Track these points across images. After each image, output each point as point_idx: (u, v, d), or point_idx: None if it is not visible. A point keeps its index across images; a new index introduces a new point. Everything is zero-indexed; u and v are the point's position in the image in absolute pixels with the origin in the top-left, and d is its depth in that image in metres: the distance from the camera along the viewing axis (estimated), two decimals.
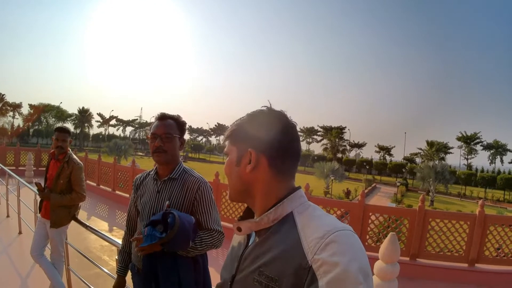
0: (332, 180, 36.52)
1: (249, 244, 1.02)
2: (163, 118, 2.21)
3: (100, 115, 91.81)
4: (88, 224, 3.75)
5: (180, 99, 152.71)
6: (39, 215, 4.17)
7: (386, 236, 4.73)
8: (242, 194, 1.05)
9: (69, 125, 75.94)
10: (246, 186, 1.03)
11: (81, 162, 4.11)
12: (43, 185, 3.99)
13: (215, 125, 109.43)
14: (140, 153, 78.16)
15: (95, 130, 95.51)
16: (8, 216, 7.94)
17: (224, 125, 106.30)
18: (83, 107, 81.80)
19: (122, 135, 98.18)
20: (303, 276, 0.81)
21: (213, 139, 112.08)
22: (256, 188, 1.02)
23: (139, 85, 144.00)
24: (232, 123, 1.09)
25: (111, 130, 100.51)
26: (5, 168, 8.30)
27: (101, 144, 76.77)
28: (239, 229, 1.02)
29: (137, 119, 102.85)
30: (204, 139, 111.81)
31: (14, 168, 16.43)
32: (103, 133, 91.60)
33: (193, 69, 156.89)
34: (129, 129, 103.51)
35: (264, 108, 1.04)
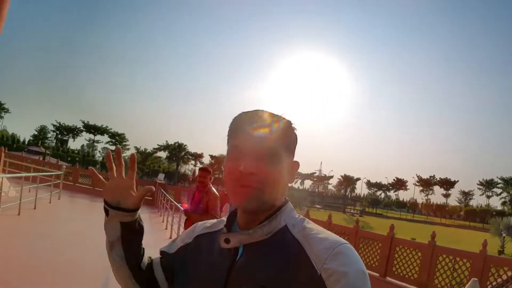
0: (504, 237, 32.51)
1: (238, 257, 0.95)
2: None
3: None
4: None
5: (361, 153, 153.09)
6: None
7: None
8: (272, 207, 0.97)
9: None
10: (282, 198, 1.00)
11: (217, 193, 5.75)
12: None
13: (394, 180, 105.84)
14: (318, 206, 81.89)
15: None
16: (170, 237, 12.25)
17: (403, 179, 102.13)
18: None
19: (300, 187, 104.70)
20: (312, 286, 0.83)
21: (392, 194, 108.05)
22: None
23: (318, 140, 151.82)
24: (278, 118, 1.00)
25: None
26: (174, 202, 13.15)
27: None
28: (227, 241, 0.95)
29: (316, 173, 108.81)
30: (382, 194, 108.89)
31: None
32: None
33: (386, 125, 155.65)
34: (308, 182, 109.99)
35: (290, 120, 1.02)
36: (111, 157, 1.06)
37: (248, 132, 0.95)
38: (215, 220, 1.16)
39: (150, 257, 1.14)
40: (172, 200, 14.11)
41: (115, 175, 1.06)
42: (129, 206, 1.04)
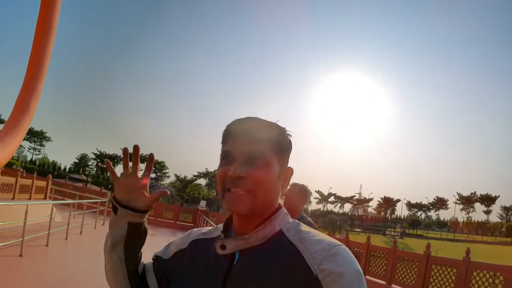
0: None
1: (235, 263, 0.96)
2: None
3: (318, 192, 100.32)
4: None
5: (401, 174, 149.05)
6: None
7: None
8: (265, 212, 0.98)
9: None
10: (276, 203, 1.00)
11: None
12: None
13: (434, 199, 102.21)
14: (357, 229, 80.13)
15: (313, 206, 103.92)
16: None
17: (443, 198, 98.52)
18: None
19: (340, 211, 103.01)
20: (309, 287, 0.84)
21: (433, 214, 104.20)
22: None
23: (358, 163, 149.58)
24: (269, 124, 1.01)
25: (329, 207, 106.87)
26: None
27: (317, 219, 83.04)
28: (223, 247, 0.96)
29: (355, 196, 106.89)
30: (423, 214, 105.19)
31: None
32: (321, 209, 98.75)
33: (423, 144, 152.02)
34: (348, 205, 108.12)
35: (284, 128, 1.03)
36: (128, 154, 1.05)
37: (239, 137, 0.97)
38: (211, 227, 1.17)
39: (142, 262, 1.13)
40: (214, 224, 14.49)
41: (130, 173, 1.04)
42: (141, 206, 1.04)
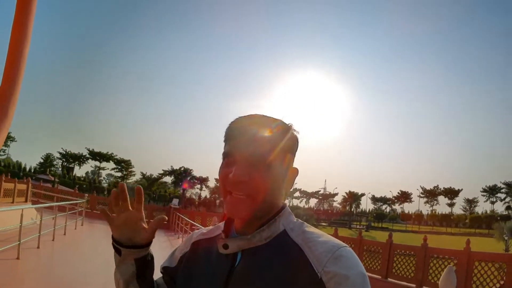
0: (507, 240, 33.10)
1: (237, 263, 0.95)
2: None
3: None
4: None
5: (364, 169, 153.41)
6: None
7: None
8: (268, 212, 0.96)
9: None
10: (280, 203, 0.99)
11: None
12: None
13: (398, 193, 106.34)
14: (324, 224, 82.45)
15: None
16: None
17: (407, 192, 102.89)
18: None
19: (305, 206, 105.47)
20: None
21: (397, 207, 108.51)
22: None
23: (321, 158, 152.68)
24: (274, 122, 0.97)
25: (295, 202, 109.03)
26: (196, 224, 14.21)
27: None
28: (225, 247, 0.95)
29: (320, 191, 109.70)
30: (388, 208, 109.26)
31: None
32: (287, 204, 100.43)
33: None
34: (313, 200, 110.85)
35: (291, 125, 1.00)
36: (117, 195, 1.02)
37: (242, 138, 0.93)
38: (211, 227, 1.16)
39: (155, 281, 1.13)
40: (193, 222, 15.37)
41: (121, 210, 1.03)
42: (143, 241, 1.03)
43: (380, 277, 11.96)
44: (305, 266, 0.85)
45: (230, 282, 0.93)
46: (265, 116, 0.98)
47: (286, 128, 0.98)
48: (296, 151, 1.02)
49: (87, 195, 24.51)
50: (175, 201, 29.54)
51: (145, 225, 1.04)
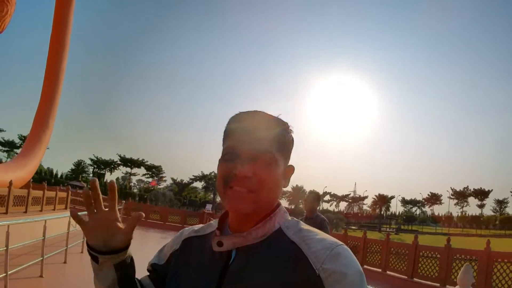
0: None
1: (232, 261, 0.93)
2: None
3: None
4: None
5: (394, 171, 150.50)
6: None
7: None
8: (265, 210, 0.96)
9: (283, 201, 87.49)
10: (276, 201, 0.99)
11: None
12: None
13: (428, 195, 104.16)
14: (353, 227, 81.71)
15: None
16: None
17: (437, 193, 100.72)
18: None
19: (335, 209, 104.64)
20: (310, 286, 0.83)
21: (427, 209, 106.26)
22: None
23: (351, 162, 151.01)
24: (274, 119, 0.98)
25: (325, 206, 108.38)
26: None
27: None
28: (219, 244, 0.93)
29: (350, 194, 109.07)
30: (417, 210, 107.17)
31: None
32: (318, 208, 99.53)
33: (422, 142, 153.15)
34: (343, 204, 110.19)
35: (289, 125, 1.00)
36: (89, 194, 0.92)
37: (245, 134, 0.93)
38: (202, 224, 1.13)
39: (139, 280, 1.06)
40: None
41: (94, 211, 0.93)
42: (120, 244, 0.94)
43: (406, 277, 12.38)
44: (303, 262, 0.86)
45: (224, 281, 0.91)
46: (266, 113, 0.99)
47: (285, 127, 0.99)
48: (292, 149, 1.02)
49: (124, 201, 25.07)
50: (208, 206, 30.12)
51: (121, 226, 0.96)
